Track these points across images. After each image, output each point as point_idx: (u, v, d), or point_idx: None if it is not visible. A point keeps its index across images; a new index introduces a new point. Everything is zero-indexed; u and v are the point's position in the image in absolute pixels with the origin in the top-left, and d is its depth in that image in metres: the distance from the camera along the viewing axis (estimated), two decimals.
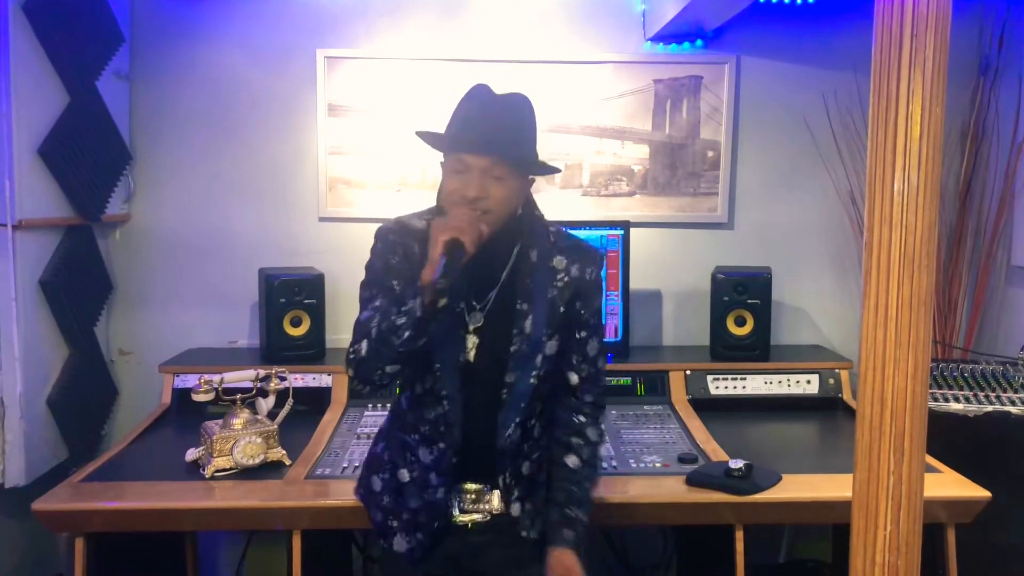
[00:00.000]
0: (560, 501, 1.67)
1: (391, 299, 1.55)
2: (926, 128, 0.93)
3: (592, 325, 1.70)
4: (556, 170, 1.75)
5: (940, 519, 1.96)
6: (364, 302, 1.63)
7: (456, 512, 1.70)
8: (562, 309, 1.65)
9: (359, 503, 1.92)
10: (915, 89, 0.93)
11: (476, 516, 1.70)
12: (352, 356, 1.58)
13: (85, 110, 2.58)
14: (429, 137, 1.64)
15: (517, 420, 1.64)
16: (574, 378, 1.70)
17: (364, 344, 1.56)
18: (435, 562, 1.71)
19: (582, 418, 1.72)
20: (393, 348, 1.52)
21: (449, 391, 1.62)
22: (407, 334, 1.50)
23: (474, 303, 1.65)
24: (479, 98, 1.60)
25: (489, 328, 1.64)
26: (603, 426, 1.76)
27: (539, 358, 1.64)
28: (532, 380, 1.64)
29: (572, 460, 1.69)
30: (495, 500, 1.70)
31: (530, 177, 1.65)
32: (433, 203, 1.70)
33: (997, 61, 2.90)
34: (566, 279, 1.66)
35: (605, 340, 1.78)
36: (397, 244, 1.64)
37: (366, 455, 1.87)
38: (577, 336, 1.69)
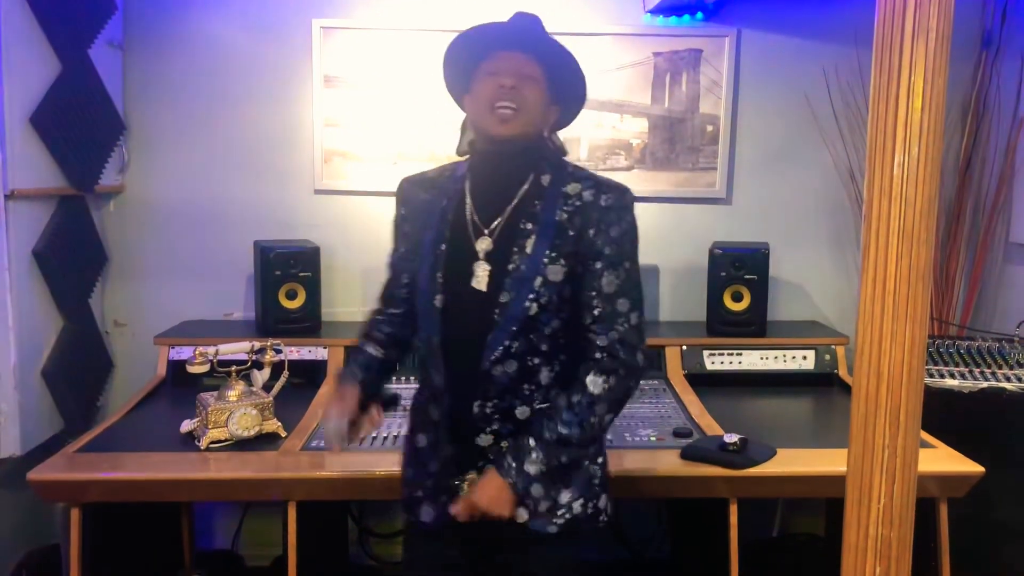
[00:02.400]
0: (528, 428, 1.54)
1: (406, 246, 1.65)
2: (928, 100, 0.92)
3: (608, 256, 1.54)
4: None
5: (933, 493, 1.97)
6: (391, 252, 1.73)
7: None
8: (571, 233, 1.54)
9: (355, 475, 1.93)
10: (917, 61, 0.92)
11: None
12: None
13: (77, 79, 2.55)
14: (463, 40, 1.58)
15: (507, 344, 1.52)
16: (587, 317, 1.54)
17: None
18: (448, 549, 1.67)
19: (589, 363, 1.53)
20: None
21: (426, 322, 1.59)
22: None
23: (482, 228, 1.59)
24: (508, 19, 1.60)
25: (498, 253, 1.56)
26: (616, 386, 1.53)
27: (538, 280, 1.51)
28: (528, 303, 1.51)
29: (561, 399, 1.54)
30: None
31: (555, 107, 1.62)
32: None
33: (999, 35, 2.87)
34: (578, 203, 1.56)
35: (635, 283, 1.61)
36: (407, 195, 1.69)
37: None
38: (590, 268, 1.54)
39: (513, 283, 1.53)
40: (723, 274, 2.75)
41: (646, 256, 2.94)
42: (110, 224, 2.90)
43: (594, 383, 1.53)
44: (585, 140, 2.93)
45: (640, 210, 2.88)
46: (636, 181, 2.96)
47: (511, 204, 1.59)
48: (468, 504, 1.54)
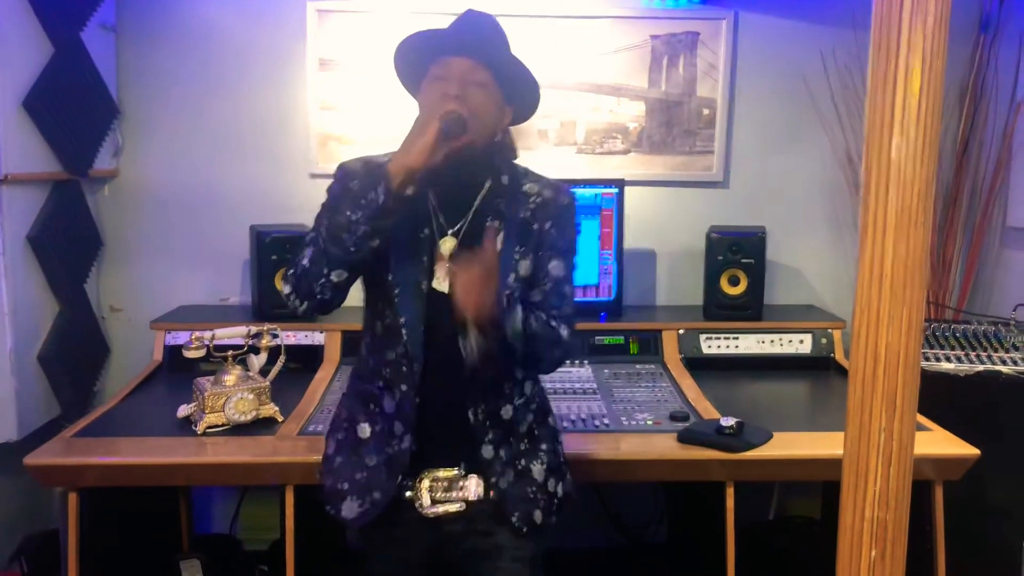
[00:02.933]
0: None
1: (346, 199, 1.47)
2: (926, 82, 0.91)
3: (560, 248, 1.60)
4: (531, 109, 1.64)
5: (928, 476, 1.98)
6: (313, 228, 1.55)
7: (426, 502, 1.56)
8: (535, 227, 1.58)
9: None
10: (915, 43, 0.91)
11: (450, 507, 1.57)
12: (291, 272, 1.51)
13: (70, 63, 2.53)
14: (405, 46, 1.56)
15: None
16: (536, 295, 1.58)
17: (308, 251, 1.48)
18: (408, 549, 1.62)
19: (543, 315, 1.55)
20: (343, 248, 1.43)
21: (409, 320, 1.52)
22: (363, 229, 1.42)
23: (446, 228, 1.57)
24: (457, 18, 1.56)
25: (464, 253, 1.53)
26: (570, 337, 1.58)
27: (511, 277, 1.54)
28: (503, 300, 1.49)
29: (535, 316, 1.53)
30: (471, 487, 1.57)
31: (508, 108, 1.58)
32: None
33: (998, 17, 2.86)
34: (539, 200, 1.59)
35: (576, 273, 1.65)
36: (356, 172, 1.58)
37: None
38: (544, 255, 1.59)
39: None
40: (720, 258, 2.75)
41: (643, 240, 2.99)
42: (105, 209, 2.88)
43: (564, 331, 1.58)
44: (582, 124, 2.92)
45: (637, 194, 2.93)
46: (633, 165, 2.95)
47: (472, 207, 1.58)
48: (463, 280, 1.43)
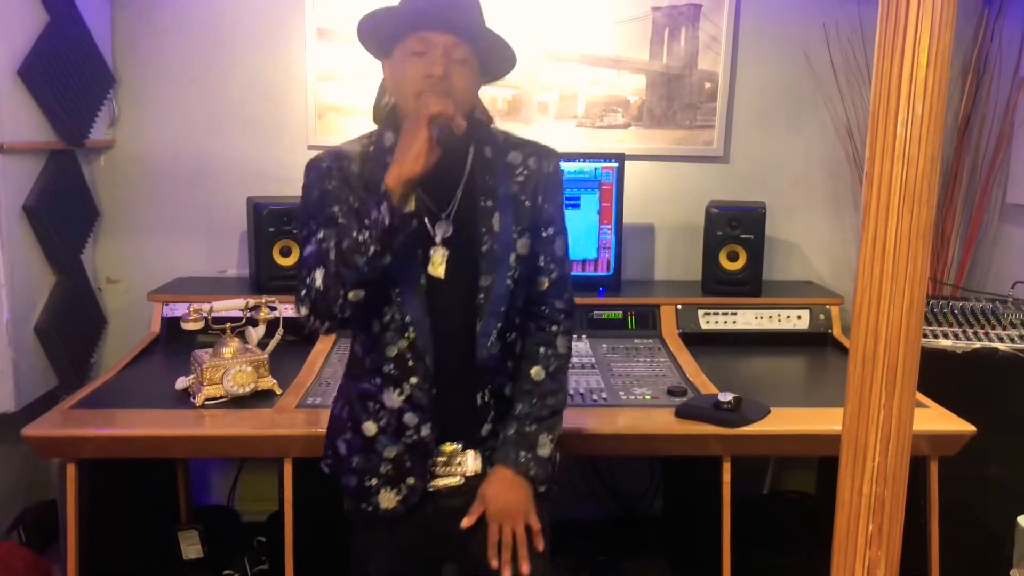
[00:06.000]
0: (518, 415, 1.56)
1: (350, 218, 1.42)
2: (934, 56, 0.90)
3: (557, 222, 1.59)
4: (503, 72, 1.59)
5: (924, 452, 1.99)
6: (304, 241, 1.50)
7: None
8: (527, 203, 1.54)
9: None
10: (923, 15, 0.90)
11: (450, 480, 1.57)
12: (305, 293, 1.45)
13: (65, 31, 2.50)
14: (379, 17, 1.46)
15: (498, 327, 1.52)
16: (544, 282, 1.58)
17: (319, 274, 1.43)
18: (408, 528, 1.60)
19: (554, 327, 1.59)
20: (357, 269, 1.40)
21: (414, 316, 1.49)
22: (373, 249, 1.38)
23: (438, 213, 1.52)
24: None
25: (459, 235, 1.52)
26: (572, 339, 1.65)
27: (512, 257, 1.52)
28: (508, 283, 1.52)
29: (536, 371, 1.57)
30: (468, 461, 1.58)
31: (483, 80, 1.54)
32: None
33: None
34: (525, 172, 1.55)
35: (570, 243, 1.65)
36: (332, 169, 1.51)
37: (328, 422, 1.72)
38: (543, 234, 1.57)
39: (490, 265, 1.51)
40: (719, 233, 2.74)
41: (642, 215, 2.98)
42: (101, 179, 2.87)
43: (563, 344, 1.61)
44: (582, 97, 2.89)
45: (637, 168, 2.92)
46: (633, 138, 2.93)
47: (460, 184, 1.54)
48: (493, 513, 1.55)
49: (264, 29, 2.83)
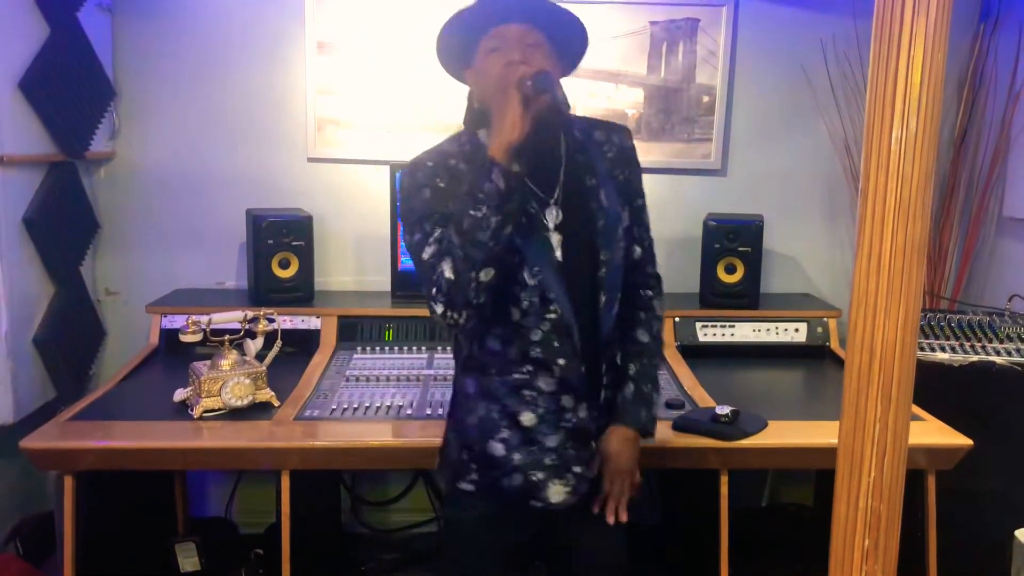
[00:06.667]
0: (634, 375, 1.62)
1: (463, 202, 1.43)
2: (927, 74, 0.91)
3: (642, 193, 1.68)
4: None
5: (921, 465, 1.99)
6: (418, 245, 1.50)
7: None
8: (621, 177, 1.62)
9: (348, 444, 1.93)
10: (917, 33, 0.91)
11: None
12: (436, 291, 1.45)
13: (66, 43, 2.51)
14: (455, 23, 1.53)
15: (618, 298, 1.59)
16: (638, 250, 1.66)
17: (447, 265, 1.43)
18: (520, 526, 1.63)
19: (649, 292, 1.68)
20: (484, 246, 1.41)
21: (557, 292, 1.51)
22: (495, 220, 1.40)
23: (546, 199, 1.56)
24: None
25: (569, 218, 1.56)
26: (663, 306, 1.72)
27: (620, 230, 1.59)
28: (622, 254, 1.59)
29: (642, 333, 1.65)
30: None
31: (561, 62, 1.59)
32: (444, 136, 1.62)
33: (998, 8, 2.85)
34: (614, 148, 1.63)
35: None
36: (438, 167, 1.53)
37: (442, 444, 1.67)
38: (635, 204, 1.65)
39: (607, 240, 1.57)
40: (717, 246, 2.75)
41: None
42: (101, 191, 2.87)
43: (659, 307, 1.70)
44: (580, 110, 2.89)
45: None
46: None
47: (561, 167, 1.58)
48: (613, 469, 1.61)
49: (264, 42, 2.85)
